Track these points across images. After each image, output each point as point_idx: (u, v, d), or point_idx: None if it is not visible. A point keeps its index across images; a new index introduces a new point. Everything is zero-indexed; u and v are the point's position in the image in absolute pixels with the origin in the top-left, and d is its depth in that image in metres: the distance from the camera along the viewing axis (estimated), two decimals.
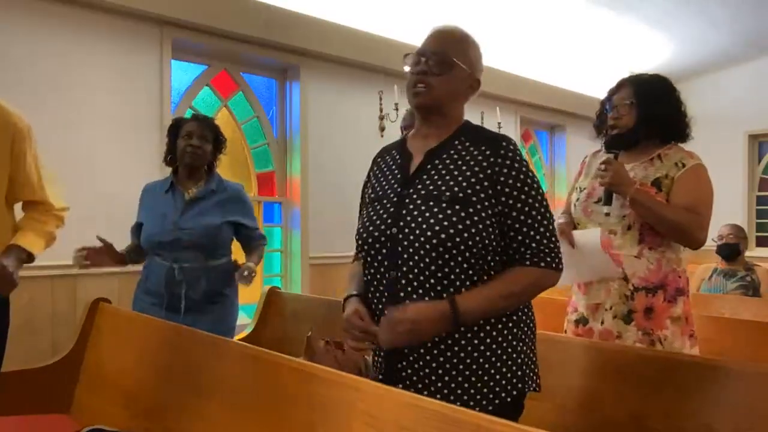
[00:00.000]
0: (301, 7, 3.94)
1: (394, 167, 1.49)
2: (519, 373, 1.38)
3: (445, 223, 1.32)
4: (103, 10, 3.21)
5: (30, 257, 1.97)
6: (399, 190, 1.42)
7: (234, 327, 2.57)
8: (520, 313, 1.42)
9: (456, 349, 1.35)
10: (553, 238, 1.40)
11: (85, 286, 3.07)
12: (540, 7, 5.01)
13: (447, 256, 1.32)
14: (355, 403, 1.35)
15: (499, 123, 4.78)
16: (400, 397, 1.29)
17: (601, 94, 2.24)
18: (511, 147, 1.40)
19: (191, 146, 2.45)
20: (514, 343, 1.38)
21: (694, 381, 1.65)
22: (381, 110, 4.43)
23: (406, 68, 1.50)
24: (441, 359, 1.35)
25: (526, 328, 1.43)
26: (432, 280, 1.34)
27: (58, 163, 2.99)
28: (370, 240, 1.42)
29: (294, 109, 4.18)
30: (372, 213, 1.45)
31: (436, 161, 1.42)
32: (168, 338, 2.08)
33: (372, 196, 1.50)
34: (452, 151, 1.42)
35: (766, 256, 6.06)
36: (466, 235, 1.32)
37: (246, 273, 2.39)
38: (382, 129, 4.42)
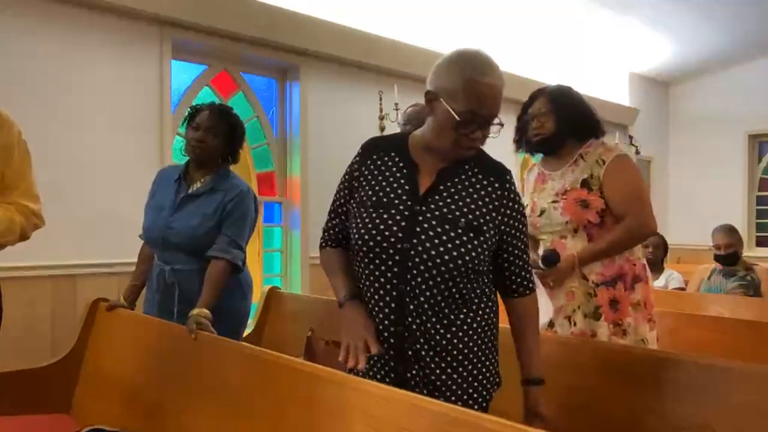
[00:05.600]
0: (301, 7, 3.94)
1: (399, 175, 1.49)
2: (494, 372, 1.52)
3: (462, 250, 1.40)
4: (103, 10, 3.20)
5: None
6: (410, 204, 1.44)
7: (239, 336, 2.37)
8: (495, 318, 1.53)
9: (454, 359, 1.43)
10: (530, 264, 1.57)
11: (85, 286, 3.07)
12: (540, 7, 5.01)
13: (456, 276, 1.41)
14: (355, 403, 1.36)
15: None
16: (400, 397, 1.29)
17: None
18: (512, 179, 1.51)
19: (195, 140, 2.26)
20: (493, 346, 1.51)
21: (694, 381, 1.65)
22: (381, 110, 4.43)
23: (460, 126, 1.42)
24: (444, 367, 1.43)
25: (495, 332, 1.53)
26: (438, 297, 1.41)
27: (56, 163, 3.01)
28: (377, 249, 1.43)
29: (294, 109, 4.18)
30: (378, 221, 1.44)
31: (448, 183, 1.46)
32: (168, 338, 2.08)
33: (374, 199, 1.48)
34: (463, 176, 1.48)
35: (766, 256, 6.07)
36: (476, 261, 1.42)
37: (191, 326, 1.96)
38: (382, 129, 4.42)
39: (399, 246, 1.41)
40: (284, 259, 4.24)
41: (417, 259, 1.40)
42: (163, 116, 3.45)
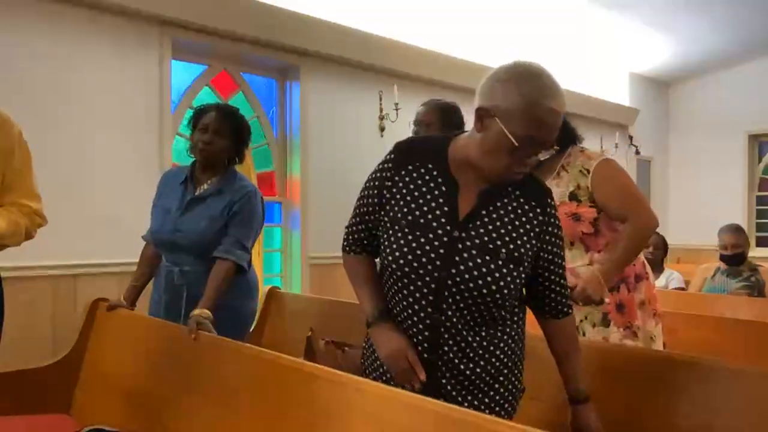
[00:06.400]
0: (301, 7, 3.94)
1: (437, 193, 1.38)
2: (521, 379, 1.50)
3: (501, 283, 1.34)
4: (103, 10, 3.20)
5: None
6: (449, 229, 1.35)
7: (242, 336, 2.37)
8: (524, 327, 1.50)
9: (491, 376, 1.41)
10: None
11: (85, 286, 3.07)
12: (540, 7, 5.01)
13: (492, 306, 1.36)
14: (355, 403, 1.36)
15: None
16: (401, 397, 1.29)
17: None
18: (552, 201, 1.44)
19: (202, 142, 2.25)
20: (522, 354, 1.50)
21: (694, 381, 1.65)
22: (381, 110, 4.43)
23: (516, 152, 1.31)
24: (478, 384, 1.40)
25: (524, 339, 1.52)
26: (472, 323, 1.37)
27: (56, 163, 3.00)
28: (412, 276, 1.36)
29: (294, 109, 4.18)
30: (414, 245, 1.35)
31: (490, 207, 1.38)
32: (168, 338, 2.08)
33: (409, 218, 1.37)
34: (505, 200, 1.39)
35: (766, 256, 6.07)
36: (513, 290, 1.37)
37: (191, 327, 1.95)
38: (382, 129, 4.42)
39: (435, 274, 1.33)
40: (284, 259, 4.24)
41: (454, 289, 1.33)
42: (163, 116, 3.45)
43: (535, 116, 1.26)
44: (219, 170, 2.32)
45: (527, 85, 1.27)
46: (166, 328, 2.14)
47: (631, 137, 6.66)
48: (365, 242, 1.52)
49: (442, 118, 2.44)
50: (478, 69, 5.01)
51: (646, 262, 2.20)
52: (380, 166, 1.46)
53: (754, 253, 6.44)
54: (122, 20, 3.29)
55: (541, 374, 1.93)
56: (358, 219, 1.51)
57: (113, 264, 3.14)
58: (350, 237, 1.54)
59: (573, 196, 2.06)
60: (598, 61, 6.35)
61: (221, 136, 2.27)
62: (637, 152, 6.65)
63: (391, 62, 4.44)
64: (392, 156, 1.45)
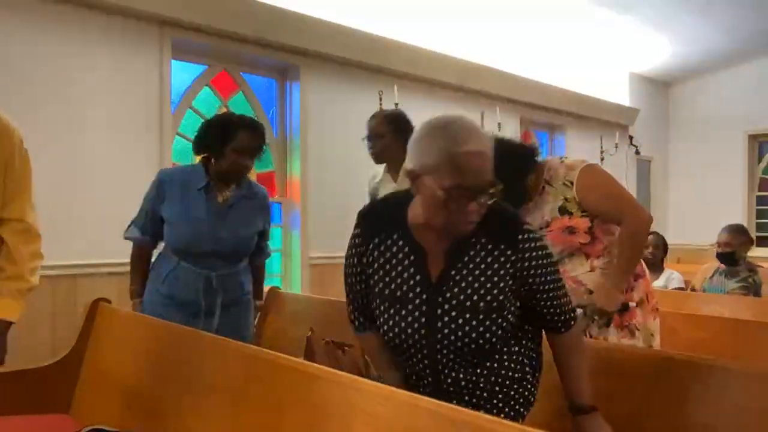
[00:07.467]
0: (301, 7, 3.95)
1: (407, 263, 1.42)
2: (533, 392, 1.53)
3: (487, 335, 1.38)
4: (103, 10, 3.21)
5: (8, 325, 1.87)
6: (425, 297, 1.39)
7: (254, 322, 2.67)
8: (535, 338, 1.53)
9: (497, 374, 1.44)
10: (568, 300, 1.51)
11: (85, 286, 3.07)
12: (540, 8, 5.01)
13: (485, 351, 1.40)
14: (355, 403, 1.36)
15: (499, 123, 4.78)
16: (401, 397, 1.29)
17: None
18: (524, 236, 1.39)
19: (245, 167, 2.33)
20: (537, 364, 1.54)
21: (694, 381, 1.65)
22: (381, 110, 4.43)
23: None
24: (484, 402, 1.44)
25: (537, 348, 1.57)
26: (471, 367, 1.42)
27: (57, 163, 3.01)
28: (404, 346, 1.44)
29: (294, 109, 4.18)
30: (398, 318, 1.42)
31: (459, 265, 1.39)
32: (168, 338, 2.08)
33: (386, 293, 1.44)
34: (472, 252, 1.38)
35: (766, 256, 6.07)
36: (503, 333, 1.40)
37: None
38: None
39: (423, 342, 1.40)
40: (284, 259, 4.24)
41: (444, 351, 1.39)
42: (163, 116, 3.45)
43: (455, 164, 1.27)
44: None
45: (440, 135, 1.29)
46: (165, 328, 2.13)
47: (631, 137, 6.66)
48: (373, 314, 1.53)
49: (393, 127, 2.54)
50: (478, 69, 5.02)
51: (641, 259, 2.24)
52: (353, 241, 1.51)
53: (754, 253, 6.43)
54: (122, 20, 3.29)
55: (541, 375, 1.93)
56: (354, 297, 1.56)
57: (113, 264, 3.13)
58: (359, 316, 1.59)
59: (563, 210, 2.08)
60: (598, 61, 6.35)
61: (256, 158, 2.39)
62: (637, 152, 6.65)
63: (391, 62, 4.44)
64: (359, 230, 1.49)
